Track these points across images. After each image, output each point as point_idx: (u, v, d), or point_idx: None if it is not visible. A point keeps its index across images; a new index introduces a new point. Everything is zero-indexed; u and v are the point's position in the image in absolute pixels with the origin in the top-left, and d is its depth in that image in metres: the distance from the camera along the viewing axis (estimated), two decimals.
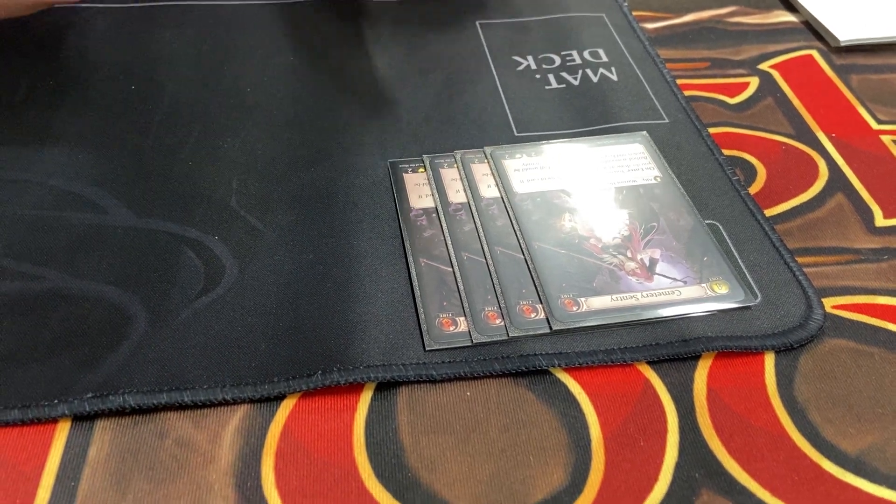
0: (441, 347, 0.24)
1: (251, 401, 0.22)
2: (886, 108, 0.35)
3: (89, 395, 0.22)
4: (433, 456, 0.21)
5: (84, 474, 0.20)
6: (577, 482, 0.21)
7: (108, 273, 0.25)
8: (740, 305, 0.25)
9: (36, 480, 0.20)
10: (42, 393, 0.22)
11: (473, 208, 0.28)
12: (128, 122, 0.31)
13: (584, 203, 0.29)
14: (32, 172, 0.29)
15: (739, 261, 0.27)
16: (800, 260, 0.27)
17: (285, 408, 0.22)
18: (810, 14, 0.40)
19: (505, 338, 0.24)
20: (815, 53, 0.38)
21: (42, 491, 0.20)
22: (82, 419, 0.22)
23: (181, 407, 0.22)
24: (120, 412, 0.22)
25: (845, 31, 0.39)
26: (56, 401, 0.21)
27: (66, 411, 0.21)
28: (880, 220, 0.29)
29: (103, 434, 0.21)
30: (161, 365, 0.23)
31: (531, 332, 0.24)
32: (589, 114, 0.33)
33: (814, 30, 0.40)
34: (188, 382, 0.22)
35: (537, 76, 0.36)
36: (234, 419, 0.22)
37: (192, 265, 0.26)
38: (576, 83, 0.35)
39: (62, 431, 0.21)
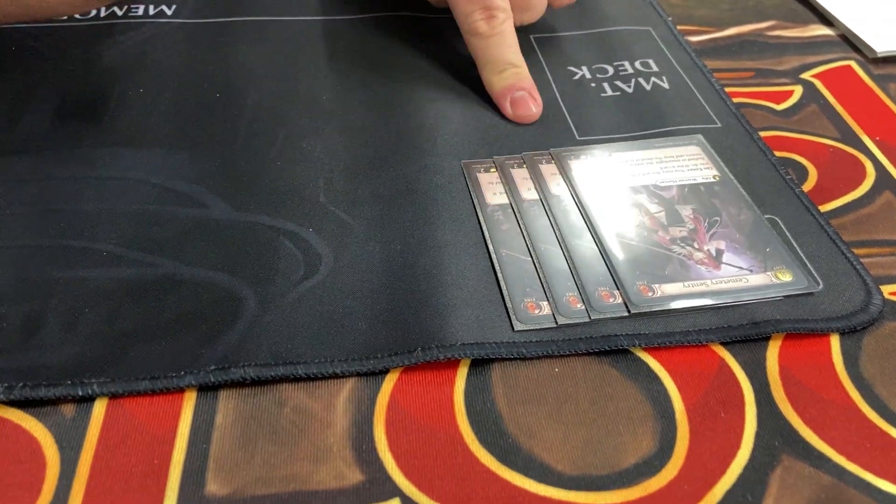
0: (528, 328, 0.25)
1: (358, 374, 0.24)
2: None
3: (212, 367, 0.23)
4: (530, 424, 0.23)
5: (214, 437, 0.22)
6: (665, 449, 0.23)
7: (215, 261, 0.27)
8: (804, 292, 0.27)
9: (171, 443, 0.22)
10: (168, 366, 0.23)
11: (545, 204, 0.30)
12: (216, 127, 0.34)
13: (649, 199, 0.30)
14: (134, 171, 0.31)
15: (799, 252, 0.29)
16: (855, 251, 0.29)
17: (389, 381, 0.24)
18: (846, 27, 0.42)
19: (587, 320, 0.26)
20: (853, 64, 0.40)
21: (177, 452, 0.22)
22: (207, 389, 0.23)
23: (296, 379, 0.24)
24: (241, 383, 0.23)
25: (881, 42, 0.41)
26: (182, 372, 0.23)
27: (193, 382, 0.23)
28: None
29: (227, 403, 0.23)
30: (274, 341, 0.24)
31: (611, 316, 0.26)
32: (645, 119, 0.35)
33: (850, 42, 0.42)
34: (300, 357, 0.24)
35: (592, 84, 0.38)
36: (345, 390, 0.24)
37: (291, 254, 0.28)
38: (630, 91, 0.37)
39: (189, 400, 0.23)
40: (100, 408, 0.23)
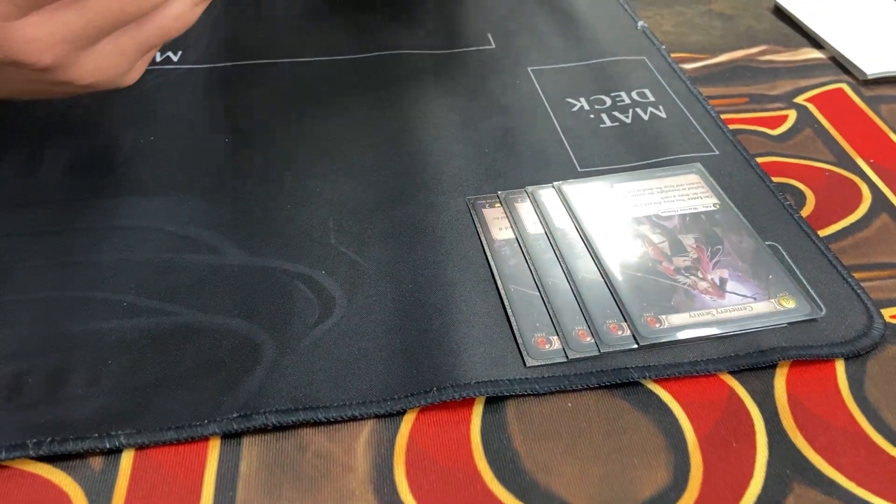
0: (540, 364, 0.26)
1: (376, 416, 0.25)
2: None
3: (234, 414, 0.24)
4: (546, 460, 0.24)
5: (239, 486, 0.23)
6: (679, 480, 0.23)
7: (231, 307, 0.28)
8: (808, 318, 0.28)
9: (197, 493, 0.22)
10: (192, 414, 0.24)
11: (551, 238, 0.31)
12: (226, 172, 0.34)
13: (652, 230, 0.31)
14: (149, 220, 0.32)
15: (801, 278, 0.29)
16: (855, 275, 0.30)
17: (407, 422, 0.25)
18: (836, 50, 0.43)
19: (597, 353, 0.26)
20: (844, 86, 0.41)
21: (204, 501, 0.22)
22: (230, 437, 0.24)
23: (315, 423, 0.24)
24: (263, 430, 0.24)
25: (871, 65, 0.42)
26: (206, 421, 0.24)
27: (217, 430, 0.24)
28: None
29: (251, 450, 0.24)
30: (293, 386, 0.25)
31: (620, 348, 0.27)
32: (644, 149, 0.36)
33: (840, 65, 0.43)
34: (319, 401, 0.25)
35: (591, 116, 0.39)
36: (364, 433, 0.24)
37: (305, 297, 0.28)
38: (628, 121, 0.38)
39: (214, 449, 0.24)
40: (127, 459, 0.23)
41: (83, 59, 0.27)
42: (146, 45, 0.29)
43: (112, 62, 0.28)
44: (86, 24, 0.26)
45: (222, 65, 0.42)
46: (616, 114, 0.39)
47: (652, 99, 0.40)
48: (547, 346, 0.27)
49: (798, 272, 0.30)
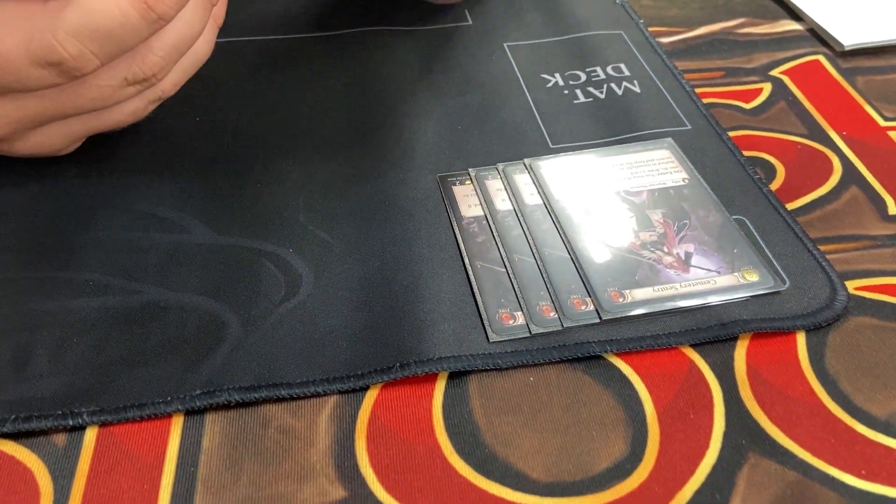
0: (503, 339, 0.26)
1: (340, 392, 0.25)
2: (892, 106, 0.37)
3: (198, 391, 0.24)
4: (506, 434, 0.24)
5: (201, 461, 0.23)
6: (636, 451, 0.23)
7: (198, 285, 0.28)
8: (771, 291, 0.28)
9: (159, 468, 0.23)
10: (155, 392, 0.24)
11: (519, 215, 0.31)
12: (197, 151, 0.34)
13: (620, 205, 0.31)
14: (119, 199, 0.32)
15: (767, 251, 0.29)
16: (821, 248, 0.30)
17: (370, 397, 0.25)
18: (815, 22, 0.43)
19: (560, 328, 0.27)
20: (821, 58, 0.41)
21: (166, 477, 0.23)
22: (193, 413, 0.24)
23: (279, 399, 0.25)
24: (226, 406, 0.24)
25: (848, 36, 0.42)
26: (169, 398, 0.24)
27: (180, 407, 0.24)
28: (893, 209, 0.32)
29: (213, 426, 0.24)
30: (257, 363, 0.25)
31: (583, 323, 0.27)
32: (617, 124, 0.36)
33: (819, 36, 0.43)
34: (283, 378, 0.25)
35: (565, 92, 0.38)
36: (327, 408, 0.24)
37: (272, 275, 0.28)
38: (602, 96, 0.38)
39: (177, 425, 0.24)
40: (90, 436, 0.23)
41: (28, 136, 0.28)
42: (94, 130, 0.30)
43: (56, 141, 0.29)
44: (42, 111, 0.27)
45: None
46: (590, 89, 0.38)
47: (627, 73, 0.39)
48: (511, 322, 0.27)
49: (764, 246, 0.30)
